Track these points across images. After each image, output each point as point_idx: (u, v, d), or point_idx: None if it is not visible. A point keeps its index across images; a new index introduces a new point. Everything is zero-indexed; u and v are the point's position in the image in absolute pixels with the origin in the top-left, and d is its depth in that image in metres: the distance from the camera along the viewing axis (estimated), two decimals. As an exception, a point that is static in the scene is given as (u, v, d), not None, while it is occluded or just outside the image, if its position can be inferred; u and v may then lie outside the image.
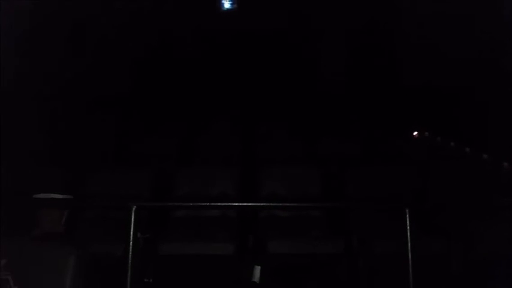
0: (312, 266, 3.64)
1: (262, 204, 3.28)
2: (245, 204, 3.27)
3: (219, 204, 3.43)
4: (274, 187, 4.55)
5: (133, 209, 2.86)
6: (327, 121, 7.01)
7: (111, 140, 6.28)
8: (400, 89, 7.85)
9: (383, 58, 8.43)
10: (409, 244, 2.92)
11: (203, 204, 3.44)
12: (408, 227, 2.93)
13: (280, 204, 3.57)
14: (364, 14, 8.26)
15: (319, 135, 6.24)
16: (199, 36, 8.52)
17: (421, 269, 2.98)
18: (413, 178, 4.72)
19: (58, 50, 6.72)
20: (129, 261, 2.94)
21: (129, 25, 7.86)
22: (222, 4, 8.13)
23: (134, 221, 2.97)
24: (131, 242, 2.94)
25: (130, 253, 2.94)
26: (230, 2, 8.09)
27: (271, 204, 3.46)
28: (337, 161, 5.20)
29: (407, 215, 2.94)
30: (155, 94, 7.91)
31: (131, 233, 2.98)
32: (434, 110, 7.12)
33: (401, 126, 6.90)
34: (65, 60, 6.83)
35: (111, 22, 7.56)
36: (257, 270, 3.28)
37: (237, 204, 3.30)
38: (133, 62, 8.25)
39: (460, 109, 6.70)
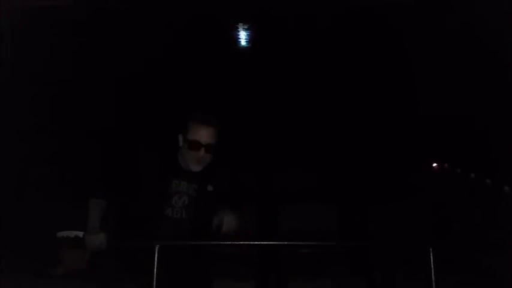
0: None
1: (282, 242, 3.26)
2: (266, 243, 3.25)
3: (240, 242, 3.42)
4: (293, 223, 4.54)
5: (157, 248, 2.87)
6: (343, 155, 6.99)
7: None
8: (417, 120, 7.83)
9: (399, 89, 8.43)
10: (434, 284, 2.86)
11: (224, 243, 3.43)
12: (432, 266, 2.88)
13: (302, 243, 3.54)
14: (377, 43, 8.28)
15: (335, 170, 6.23)
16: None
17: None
18: (435, 212, 4.68)
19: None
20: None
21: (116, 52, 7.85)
22: (239, 42, 8.29)
23: (157, 260, 2.97)
24: (155, 282, 2.93)
25: (153, 292, 2.92)
26: (246, 40, 8.26)
27: (292, 243, 3.43)
28: (355, 196, 5.18)
29: (431, 254, 2.90)
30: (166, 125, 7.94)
31: (155, 271, 2.98)
32: (452, 141, 7.08)
33: (420, 158, 6.86)
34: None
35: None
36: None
37: (257, 242, 3.28)
38: (128, 94, 8.27)
39: (479, 139, 6.65)
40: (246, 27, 7.74)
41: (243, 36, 8.26)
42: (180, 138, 2.72)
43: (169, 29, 7.62)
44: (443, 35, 7.08)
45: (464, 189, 6.23)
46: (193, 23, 7.59)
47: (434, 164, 7.13)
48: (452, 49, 7.08)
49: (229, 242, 3.71)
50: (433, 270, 2.81)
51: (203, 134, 2.70)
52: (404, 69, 8.41)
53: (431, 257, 2.84)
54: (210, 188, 2.81)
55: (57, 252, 3.67)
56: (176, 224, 2.84)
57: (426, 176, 6.45)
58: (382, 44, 8.24)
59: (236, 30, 8.16)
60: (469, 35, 6.58)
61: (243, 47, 8.44)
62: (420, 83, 8.03)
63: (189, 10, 7.19)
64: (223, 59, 8.66)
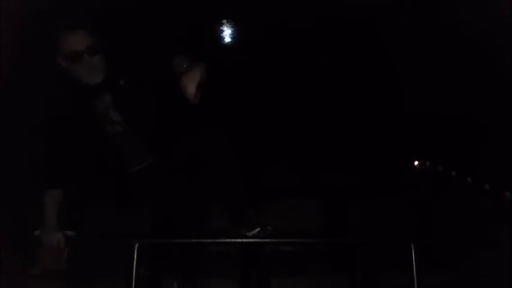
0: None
1: (265, 240, 3.25)
2: (247, 240, 3.23)
3: (221, 240, 3.39)
4: (275, 220, 4.50)
5: (136, 246, 2.82)
6: (326, 152, 6.99)
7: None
8: (400, 118, 7.86)
9: (382, 86, 8.45)
10: (416, 280, 2.87)
11: (206, 240, 3.40)
12: (414, 262, 2.89)
13: (283, 240, 3.53)
14: (360, 37, 8.30)
15: (319, 167, 6.22)
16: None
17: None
18: (417, 210, 4.69)
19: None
20: (132, 300, 2.89)
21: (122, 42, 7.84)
22: (223, 38, 8.28)
23: (137, 258, 2.92)
24: (134, 280, 2.88)
25: (133, 291, 2.89)
26: (230, 37, 8.23)
27: (274, 240, 3.42)
28: (338, 193, 5.17)
29: (413, 250, 2.90)
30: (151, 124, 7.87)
31: (134, 270, 2.93)
32: (434, 139, 7.12)
33: (402, 156, 6.89)
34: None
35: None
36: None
37: (240, 240, 3.26)
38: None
39: (461, 138, 6.69)
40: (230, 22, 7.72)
41: (230, 32, 8.24)
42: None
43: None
44: (430, 30, 7.10)
45: (445, 187, 6.27)
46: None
47: (416, 163, 7.17)
48: (438, 46, 7.12)
49: (212, 240, 3.68)
50: (415, 267, 2.82)
51: (74, 41, 2.55)
52: (388, 66, 8.45)
53: (413, 253, 2.85)
54: (121, 82, 2.70)
55: (34, 251, 3.60)
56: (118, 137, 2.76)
57: (408, 174, 6.48)
58: (366, 40, 8.26)
59: (221, 24, 8.15)
60: (458, 32, 6.62)
61: (231, 42, 8.43)
62: (403, 81, 8.07)
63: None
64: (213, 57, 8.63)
